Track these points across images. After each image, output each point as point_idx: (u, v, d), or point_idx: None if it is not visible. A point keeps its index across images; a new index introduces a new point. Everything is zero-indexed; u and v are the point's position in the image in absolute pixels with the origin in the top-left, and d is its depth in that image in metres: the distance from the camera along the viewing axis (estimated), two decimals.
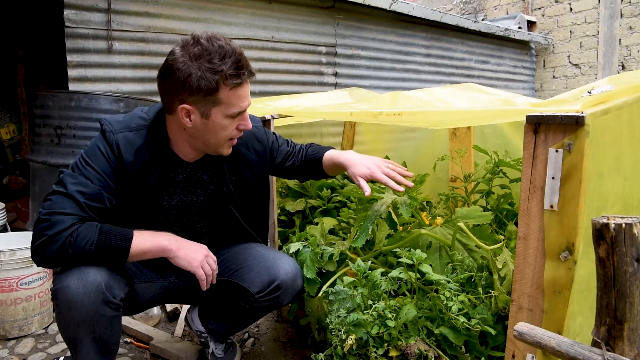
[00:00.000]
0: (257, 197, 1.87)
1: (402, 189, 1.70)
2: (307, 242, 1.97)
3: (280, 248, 2.31)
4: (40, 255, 1.42)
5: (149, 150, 1.58)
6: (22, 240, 2.48)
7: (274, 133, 1.98)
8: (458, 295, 1.57)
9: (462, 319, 1.50)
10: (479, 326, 1.49)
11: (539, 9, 6.76)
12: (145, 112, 1.65)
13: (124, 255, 1.45)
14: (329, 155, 1.89)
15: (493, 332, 1.49)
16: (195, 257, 1.56)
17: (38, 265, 1.47)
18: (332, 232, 2.28)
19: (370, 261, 1.93)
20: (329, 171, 1.92)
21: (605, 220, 0.85)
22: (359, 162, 1.76)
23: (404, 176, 1.73)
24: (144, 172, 1.58)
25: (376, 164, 1.74)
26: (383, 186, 2.06)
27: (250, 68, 1.51)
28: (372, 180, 1.73)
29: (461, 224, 1.76)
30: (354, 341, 1.56)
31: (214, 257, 1.64)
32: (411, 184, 1.72)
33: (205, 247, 1.63)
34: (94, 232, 1.42)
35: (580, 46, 6.38)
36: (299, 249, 1.92)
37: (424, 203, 2.54)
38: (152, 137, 1.59)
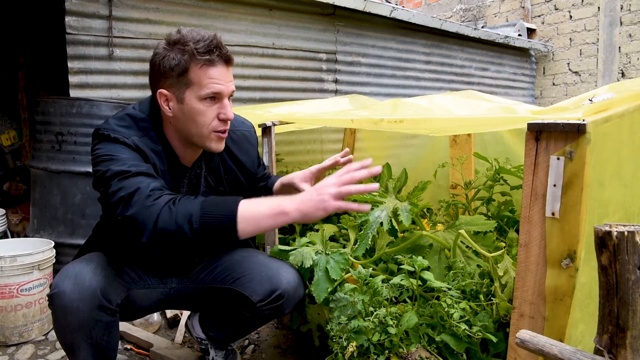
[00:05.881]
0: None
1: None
2: (315, 246, 1.95)
3: None
4: (148, 226, 1.27)
5: (162, 155, 1.56)
6: (22, 246, 2.48)
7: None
8: (459, 302, 1.57)
9: (463, 326, 1.49)
10: (480, 333, 1.49)
11: (539, 16, 6.79)
12: (140, 110, 1.58)
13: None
14: (278, 181, 1.86)
15: (494, 339, 1.49)
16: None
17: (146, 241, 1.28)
18: (332, 238, 2.27)
19: (371, 268, 1.93)
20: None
21: (607, 228, 0.85)
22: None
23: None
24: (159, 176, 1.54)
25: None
26: (384, 192, 2.06)
27: (226, 51, 1.49)
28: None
29: (462, 232, 1.76)
30: (355, 348, 1.55)
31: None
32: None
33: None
34: (193, 201, 1.32)
35: (580, 54, 6.40)
36: (314, 258, 1.87)
37: (425, 210, 2.54)
38: (160, 140, 1.56)
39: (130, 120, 1.54)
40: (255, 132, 1.87)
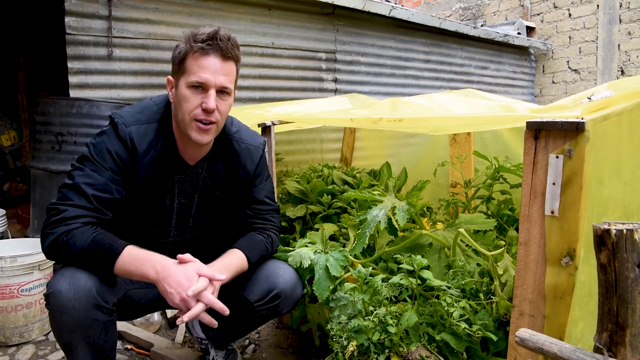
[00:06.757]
0: (240, 208, 1.82)
1: None
2: (314, 246, 1.94)
3: None
4: (42, 243, 1.48)
5: (158, 144, 1.60)
6: (22, 246, 2.48)
7: (268, 176, 1.88)
8: (459, 301, 1.57)
9: (463, 325, 1.49)
10: (480, 332, 1.49)
11: (538, 14, 6.78)
12: (154, 102, 1.67)
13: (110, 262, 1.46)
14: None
15: (494, 338, 1.49)
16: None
17: (46, 256, 1.52)
18: (332, 237, 2.27)
19: (371, 267, 1.93)
20: None
21: (606, 226, 0.85)
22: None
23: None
24: (151, 166, 1.59)
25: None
26: (383, 189, 2.06)
27: (223, 44, 1.50)
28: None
29: (462, 230, 1.76)
30: (355, 347, 1.55)
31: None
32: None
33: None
34: (87, 237, 1.44)
35: (580, 52, 6.39)
36: (312, 257, 1.84)
37: (425, 209, 2.54)
38: (161, 131, 1.61)
39: (141, 108, 1.64)
40: (263, 149, 1.82)
